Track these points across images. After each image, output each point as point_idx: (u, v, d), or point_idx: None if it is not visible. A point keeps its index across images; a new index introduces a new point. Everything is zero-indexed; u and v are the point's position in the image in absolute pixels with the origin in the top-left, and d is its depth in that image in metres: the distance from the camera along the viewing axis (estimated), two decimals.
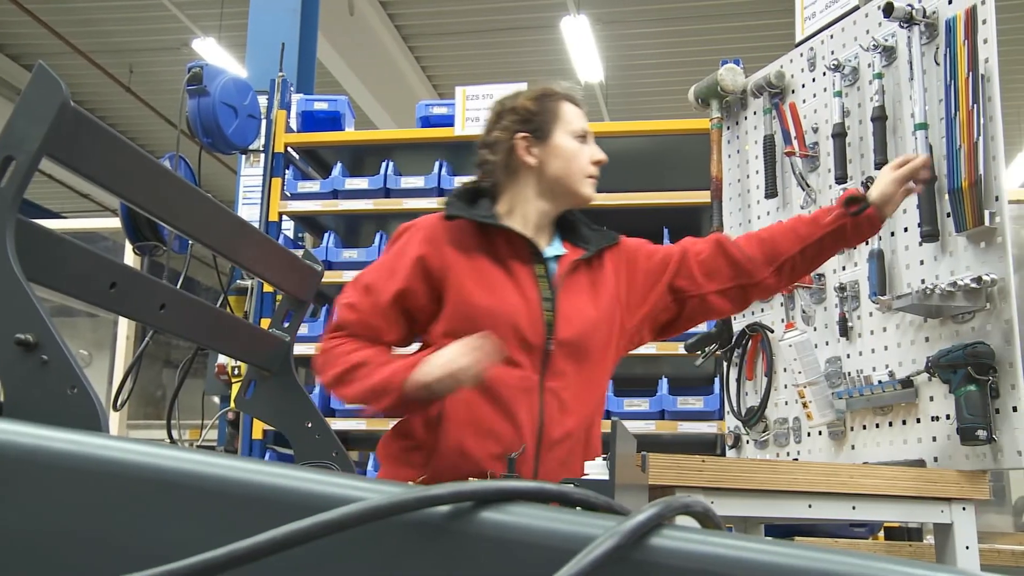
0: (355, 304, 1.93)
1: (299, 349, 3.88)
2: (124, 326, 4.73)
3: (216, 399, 4.30)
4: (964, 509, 2.10)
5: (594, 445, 1.98)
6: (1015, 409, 2.05)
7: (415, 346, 1.99)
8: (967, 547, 2.08)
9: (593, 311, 1.98)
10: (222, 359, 4.01)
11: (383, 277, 1.95)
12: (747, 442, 2.90)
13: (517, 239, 1.96)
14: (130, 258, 4.07)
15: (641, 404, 3.77)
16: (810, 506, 2.08)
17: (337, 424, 3.93)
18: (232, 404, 3.80)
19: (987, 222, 2.11)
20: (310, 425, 1.43)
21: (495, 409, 1.87)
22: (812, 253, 2.10)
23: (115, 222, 4.15)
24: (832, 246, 2.12)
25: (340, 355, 1.88)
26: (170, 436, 2.95)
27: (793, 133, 2.71)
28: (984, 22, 2.18)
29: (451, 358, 1.76)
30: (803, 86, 2.76)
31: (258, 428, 4.00)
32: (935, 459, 2.24)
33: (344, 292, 1.99)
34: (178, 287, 1.13)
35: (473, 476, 1.82)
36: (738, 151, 3.02)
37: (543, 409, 1.89)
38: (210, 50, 9.65)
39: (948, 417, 2.20)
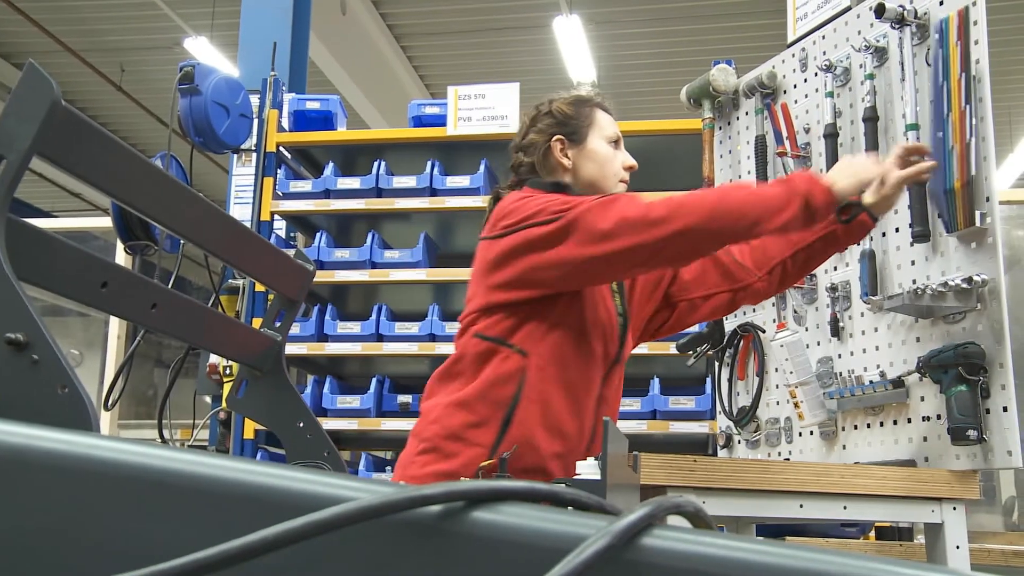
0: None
1: (291, 349, 3.89)
2: (115, 325, 4.72)
3: (208, 399, 4.30)
4: (955, 509, 2.10)
5: None
6: (1005, 409, 2.06)
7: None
8: (957, 547, 2.09)
9: (629, 307, 2.07)
10: (214, 359, 4.01)
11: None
12: (739, 442, 2.90)
13: None
14: (121, 257, 4.06)
15: (633, 404, 3.78)
16: (801, 506, 2.08)
17: (329, 424, 3.93)
18: (223, 404, 3.80)
19: (978, 223, 2.12)
20: (302, 425, 1.43)
21: (570, 410, 1.89)
22: (803, 257, 2.13)
23: (106, 221, 4.15)
24: (824, 250, 2.13)
25: (685, 198, 1.78)
26: (161, 436, 2.94)
27: (785, 133, 2.72)
28: (975, 23, 2.18)
29: (863, 166, 1.90)
30: (795, 86, 2.77)
31: (250, 428, 3.99)
32: (926, 459, 2.24)
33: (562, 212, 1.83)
34: (170, 286, 1.12)
35: (536, 471, 1.83)
36: (730, 151, 3.03)
37: (596, 418, 1.94)
38: (202, 49, 9.62)
39: (939, 417, 2.21)
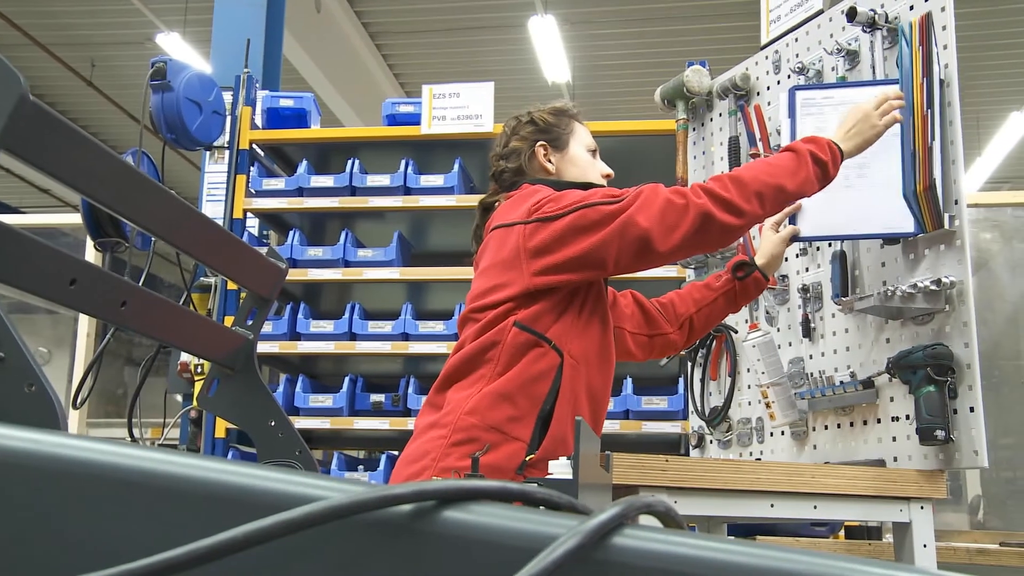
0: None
1: (263, 347, 3.87)
2: (84, 323, 4.67)
3: (178, 397, 4.26)
4: (922, 508, 2.13)
5: None
6: (972, 410, 2.09)
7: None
8: (924, 545, 2.11)
9: None
10: (185, 357, 3.97)
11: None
12: (711, 442, 2.92)
13: None
14: (91, 255, 4.02)
15: None
16: (772, 505, 2.10)
17: (301, 423, 3.91)
18: (194, 402, 3.77)
19: (947, 225, 2.15)
20: (273, 424, 1.42)
21: (592, 412, 1.94)
22: (706, 314, 2.34)
23: (76, 218, 4.11)
24: (725, 307, 2.36)
25: (716, 182, 1.90)
26: (131, 435, 2.92)
27: (758, 135, 2.74)
28: (944, 28, 2.21)
29: (870, 128, 2.08)
30: (768, 88, 2.79)
31: (221, 426, 3.97)
32: (895, 459, 2.27)
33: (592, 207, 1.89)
34: (140, 284, 1.11)
35: None
36: (704, 152, 3.04)
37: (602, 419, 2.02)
38: (174, 45, 9.54)
39: (908, 417, 2.23)
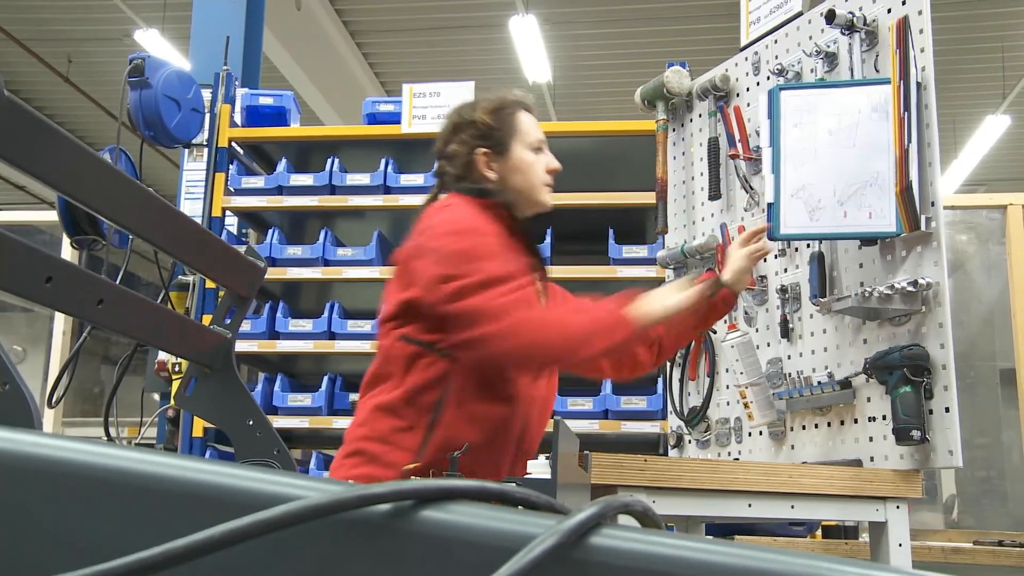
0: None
1: (242, 346, 3.85)
2: (60, 321, 4.64)
3: (156, 396, 4.23)
4: (898, 507, 2.14)
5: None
6: (947, 410, 2.10)
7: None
8: (900, 544, 2.13)
9: None
10: (162, 355, 3.95)
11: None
12: (689, 442, 2.93)
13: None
14: (68, 252, 3.99)
15: (585, 403, 3.79)
16: (750, 505, 2.11)
17: (280, 422, 3.89)
18: (172, 401, 3.74)
19: (923, 227, 2.16)
20: (251, 423, 1.42)
21: (492, 409, 1.89)
22: (676, 334, 2.30)
23: (52, 215, 4.06)
24: (695, 326, 2.33)
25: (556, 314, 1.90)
26: (108, 434, 2.90)
27: (737, 136, 2.75)
28: (921, 31, 2.22)
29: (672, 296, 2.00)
30: (748, 90, 2.80)
31: (199, 426, 3.94)
32: (871, 459, 2.28)
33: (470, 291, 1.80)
34: (118, 282, 1.10)
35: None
36: (683, 153, 3.05)
37: (527, 415, 1.94)
38: (153, 41, 9.46)
39: (884, 418, 2.25)
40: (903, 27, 2.21)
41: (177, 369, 3.90)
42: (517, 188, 2.04)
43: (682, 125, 3.06)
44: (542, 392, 2.00)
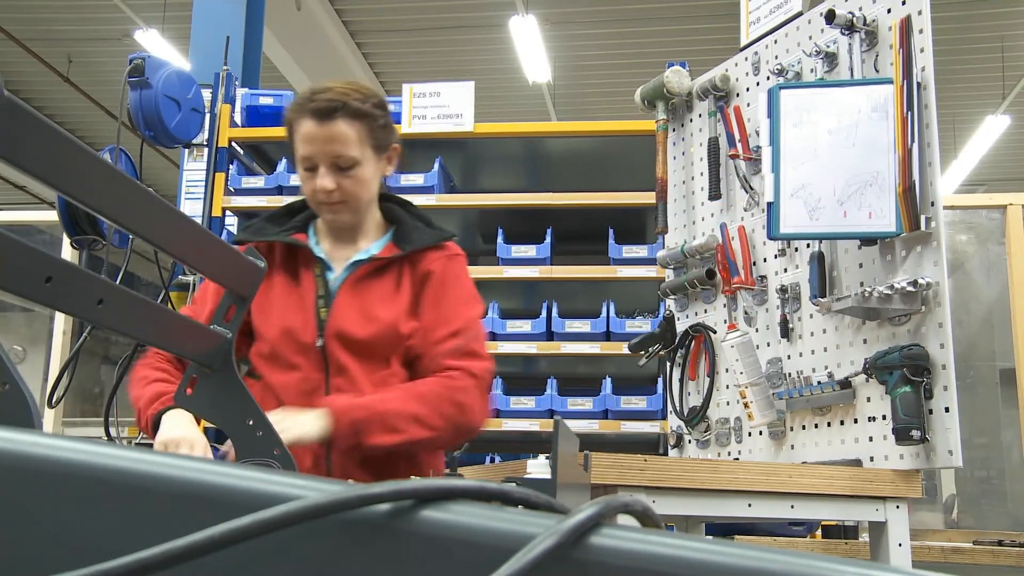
0: None
1: None
2: (60, 321, 4.63)
3: None
4: (898, 507, 2.14)
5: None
6: (947, 410, 2.11)
7: None
8: (899, 544, 2.13)
9: (381, 309, 1.96)
10: None
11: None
12: (689, 442, 2.93)
13: (300, 248, 2.03)
14: (68, 252, 3.98)
15: (584, 403, 3.79)
16: (750, 505, 2.11)
17: None
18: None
19: (923, 227, 2.16)
20: (251, 423, 1.41)
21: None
22: None
23: (52, 215, 4.06)
24: None
25: None
26: (108, 433, 2.90)
27: (737, 136, 2.75)
28: (920, 31, 2.22)
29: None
30: (748, 90, 2.80)
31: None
32: (871, 459, 2.28)
33: None
34: (118, 282, 1.10)
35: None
36: (683, 153, 3.05)
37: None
38: (153, 42, 9.47)
39: (884, 417, 2.25)
40: (905, 27, 2.21)
41: None
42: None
43: (682, 125, 3.06)
44: (344, 379, 1.95)
